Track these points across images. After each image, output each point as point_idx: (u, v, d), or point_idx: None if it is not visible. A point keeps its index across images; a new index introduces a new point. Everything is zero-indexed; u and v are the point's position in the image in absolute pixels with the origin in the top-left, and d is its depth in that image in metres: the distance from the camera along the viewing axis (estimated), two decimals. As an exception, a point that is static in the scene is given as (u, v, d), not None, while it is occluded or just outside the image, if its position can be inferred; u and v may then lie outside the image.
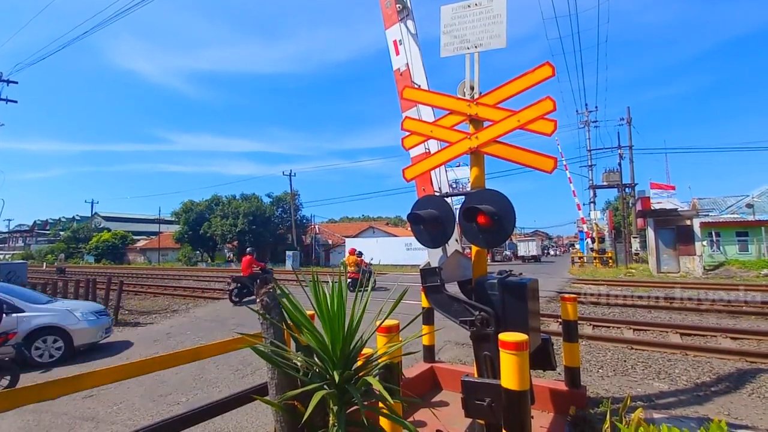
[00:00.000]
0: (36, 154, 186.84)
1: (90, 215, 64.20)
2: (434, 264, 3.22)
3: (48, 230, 73.83)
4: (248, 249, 14.18)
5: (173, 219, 48.87)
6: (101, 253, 52.06)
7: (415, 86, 3.81)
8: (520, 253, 41.71)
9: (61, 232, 65.09)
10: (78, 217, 70.78)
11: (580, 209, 31.76)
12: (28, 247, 65.07)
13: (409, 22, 3.99)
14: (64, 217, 76.15)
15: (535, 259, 40.38)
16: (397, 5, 3.92)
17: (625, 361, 5.80)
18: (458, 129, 3.48)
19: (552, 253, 60.61)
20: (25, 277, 16.08)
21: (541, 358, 3.21)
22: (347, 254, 15.57)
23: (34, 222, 77.90)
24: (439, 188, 3.71)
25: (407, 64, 3.80)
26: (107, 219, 67.82)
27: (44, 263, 44.32)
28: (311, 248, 43.39)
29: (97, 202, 64.12)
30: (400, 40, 3.87)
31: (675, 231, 20.78)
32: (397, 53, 3.86)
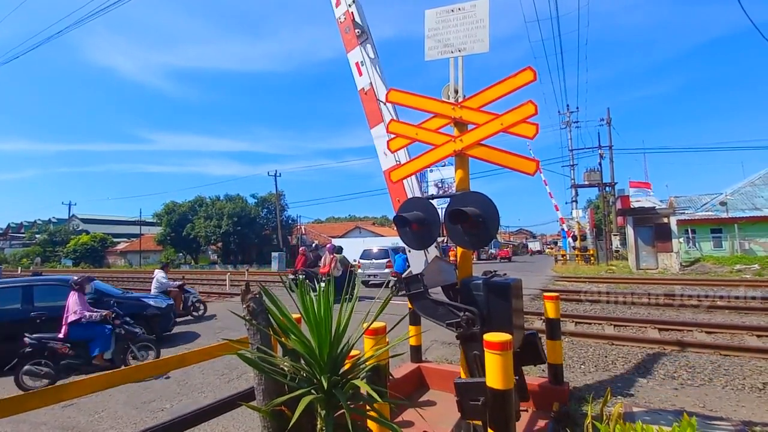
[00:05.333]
0: (9, 154, 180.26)
1: (67, 217, 62.16)
2: (416, 271, 3.25)
3: (23, 233, 71.23)
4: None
5: (155, 221, 47.82)
6: (79, 256, 50.54)
7: (381, 102, 3.89)
8: (530, 248, 69.45)
9: (37, 235, 62.89)
10: (54, 220, 68.48)
11: (558, 210, 32.63)
12: (2, 251, 62.67)
13: (368, 46, 4.11)
14: (39, 219, 73.70)
15: (540, 252, 64.43)
16: (356, 30, 4.04)
17: (606, 356, 5.95)
18: (443, 132, 3.53)
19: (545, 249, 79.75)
20: (-2, 282, 15.48)
21: (530, 353, 3.25)
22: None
23: (8, 225, 75.04)
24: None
25: (371, 83, 3.90)
26: (85, 221, 65.78)
27: (19, 267, 42.71)
28: (297, 249, 43.06)
29: (75, 204, 61.86)
30: (361, 62, 4.00)
31: (653, 229, 21.42)
32: (360, 74, 4.00)
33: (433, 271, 3.29)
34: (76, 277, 6.52)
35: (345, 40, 4.10)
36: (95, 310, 6.26)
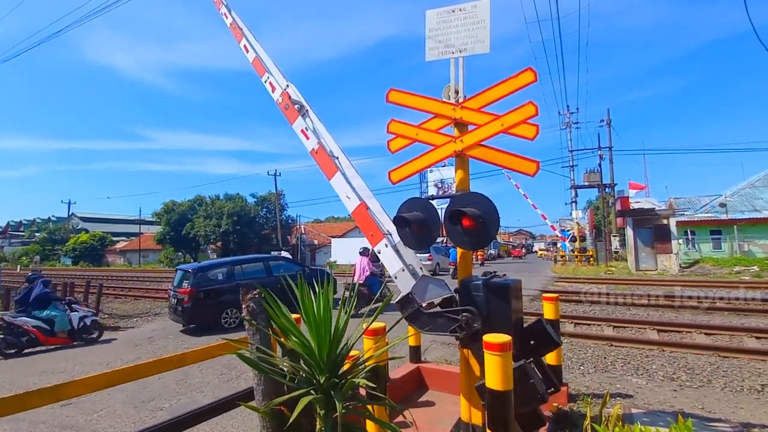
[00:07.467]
0: (8, 151, 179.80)
1: (67, 216, 62.07)
2: (405, 292, 3.20)
3: (22, 231, 71.21)
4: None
5: (154, 219, 47.77)
6: (79, 255, 50.48)
7: (334, 158, 4.03)
8: (534, 249, 67.91)
9: (36, 234, 62.88)
10: (54, 218, 68.46)
11: (545, 218, 32.90)
12: (1, 249, 62.64)
13: (311, 114, 4.34)
14: (39, 217, 73.64)
15: (547, 250, 63.03)
16: (295, 106, 4.30)
17: (605, 357, 5.96)
18: (443, 132, 3.52)
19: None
20: (-3, 280, 15.48)
21: (543, 340, 3.15)
22: None
23: (8, 223, 74.95)
24: (388, 231, 3.66)
25: (318, 142, 4.08)
26: (85, 220, 65.79)
27: (18, 266, 42.68)
28: (297, 249, 43.05)
29: (74, 203, 61.59)
30: (306, 128, 4.23)
31: (653, 230, 21.43)
32: (307, 138, 4.20)
33: (423, 289, 3.26)
34: (362, 249, 10.19)
35: (287, 115, 4.39)
36: (377, 268, 10.11)
